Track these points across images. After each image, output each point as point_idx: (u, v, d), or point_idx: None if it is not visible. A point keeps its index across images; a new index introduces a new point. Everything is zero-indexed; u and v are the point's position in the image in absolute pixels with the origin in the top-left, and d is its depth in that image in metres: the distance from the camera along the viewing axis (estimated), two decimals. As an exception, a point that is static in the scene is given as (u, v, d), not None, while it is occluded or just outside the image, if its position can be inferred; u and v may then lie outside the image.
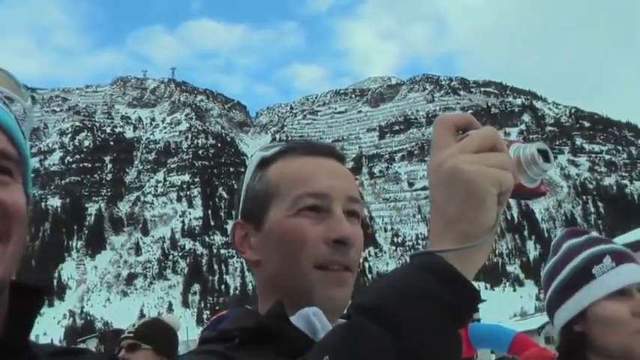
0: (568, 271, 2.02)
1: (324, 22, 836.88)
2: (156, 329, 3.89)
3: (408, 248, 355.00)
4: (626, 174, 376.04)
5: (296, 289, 1.41)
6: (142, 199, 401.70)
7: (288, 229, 1.43)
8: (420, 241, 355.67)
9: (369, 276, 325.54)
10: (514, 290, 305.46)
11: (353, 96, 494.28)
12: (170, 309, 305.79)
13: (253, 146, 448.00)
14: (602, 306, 1.92)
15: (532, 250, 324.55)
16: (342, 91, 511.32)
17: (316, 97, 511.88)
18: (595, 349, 1.95)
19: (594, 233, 2.14)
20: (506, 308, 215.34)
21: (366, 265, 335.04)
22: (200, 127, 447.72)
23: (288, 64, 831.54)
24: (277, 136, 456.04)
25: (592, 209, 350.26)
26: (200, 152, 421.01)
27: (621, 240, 71.60)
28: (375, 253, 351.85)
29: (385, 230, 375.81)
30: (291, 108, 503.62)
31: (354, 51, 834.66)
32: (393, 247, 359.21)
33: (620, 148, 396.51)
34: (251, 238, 1.50)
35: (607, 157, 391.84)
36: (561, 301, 2.01)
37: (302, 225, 1.42)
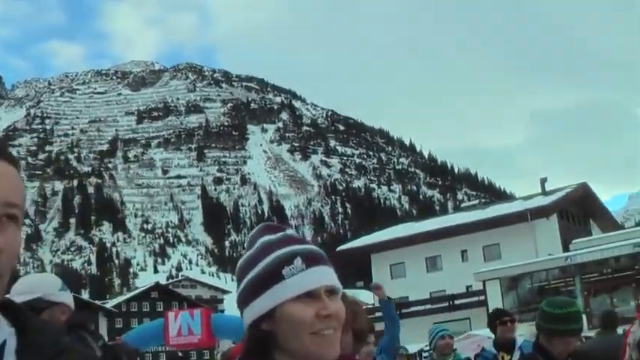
0: (260, 269, 1.91)
1: (86, 0, 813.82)
2: None
3: (157, 235, 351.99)
4: (375, 178, 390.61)
5: None
6: None
7: None
8: (169, 229, 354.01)
9: (116, 261, 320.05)
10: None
11: (114, 78, 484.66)
12: None
13: (6, 119, 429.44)
14: (289, 307, 1.85)
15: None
16: (103, 72, 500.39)
17: (76, 76, 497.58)
18: (280, 348, 1.89)
19: (290, 231, 2.01)
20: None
21: (114, 250, 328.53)
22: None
23: (47, 40, 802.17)
24: (32, 111, 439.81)
25: (340, 209, 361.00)
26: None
27: (365, 240, 73.78)
28: (124, 239, 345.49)
29: (135, 216, 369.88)
30: (50, 84, 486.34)
31: (116, 33, 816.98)
32: (143, 234, 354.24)
33: (371, 153, 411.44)
34: None
35: (358, 160, 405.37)
36: (251, 298, 1.90)
37: None
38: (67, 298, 3.39)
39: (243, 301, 1.94)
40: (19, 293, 3.17)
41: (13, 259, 1.46)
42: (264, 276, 1.88)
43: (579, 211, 69.25)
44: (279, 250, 1.91)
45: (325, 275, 1.90)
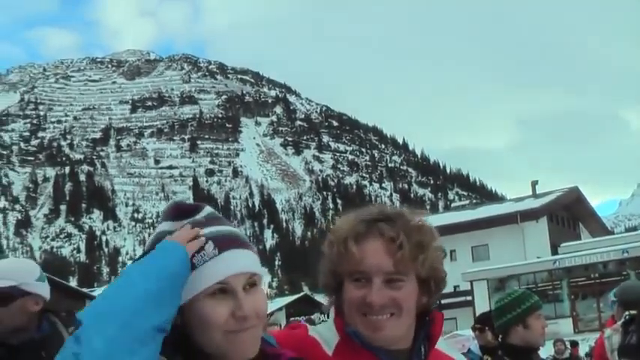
0: None
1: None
2: None
3: (147, 225, 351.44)
4: (367, 175, 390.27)
5: None
6: None
7: None
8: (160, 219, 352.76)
9: (106, 250, 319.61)
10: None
11: (109, 66, 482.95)
12: None
13: (0, 104, 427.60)
14: (200, 303, 1.65)
15: (269, 238, 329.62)
16: (98, 60, 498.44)
17: (71, 62, 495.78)
18: (194, 346, 1.68)
19: (203, 213, 1.79)
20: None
21: (104, 238, 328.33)
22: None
23: (39, 27, 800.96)
24: (26, 96, 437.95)
25: (331, 205, 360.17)
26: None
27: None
28: (114, 228, 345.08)
29: (126, 205, 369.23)
30: (44, 70, 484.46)
31: (108, 23, 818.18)
32: (133, 223, 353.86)
33: (363, 149, 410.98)
34: None
35: (350, 157, 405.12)
36: None
37: None
38: (43, 288, 3.28)
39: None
40: None
41: None
42: None
43: (569, 214, 69.42)
44: None
45: (241, 260, 1.72)
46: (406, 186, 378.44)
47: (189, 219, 1.75)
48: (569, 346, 19.24)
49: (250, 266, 1.72)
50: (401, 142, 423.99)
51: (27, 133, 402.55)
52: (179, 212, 1.77)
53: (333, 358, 2.04)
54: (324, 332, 2.10)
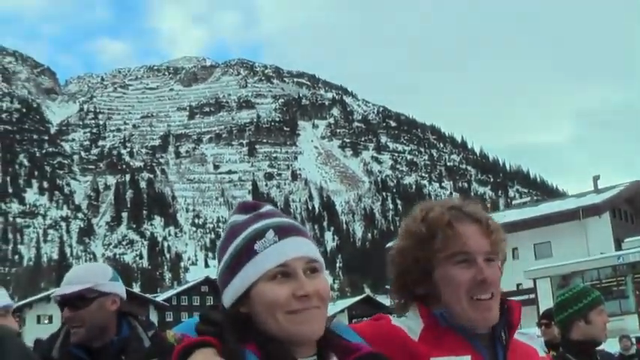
0: (232, 249, 1.80)
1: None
2: None
3: (208, 230, 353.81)
4: (426, 175, 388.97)
5: None
6: None
7: None
8: (220, 224, 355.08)
9: (168, 255, 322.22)
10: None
11: (166, 73, 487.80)
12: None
13: (60, 114, 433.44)
14: (263, 287, 1.74)
15: (330, 240, 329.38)
16: (155, 67, 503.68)
17: (129, 71, 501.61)
18: (259, 330, 1.75)
19: (265, 208, 1.89)
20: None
21: (165, 244, 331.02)
22: (6, 90, 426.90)
23: (96, 37, 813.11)
24: (85, 106, 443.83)
25: (391, 206, 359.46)
26: (3, 116, 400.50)
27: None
28: (175, 233, 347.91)
29: (187, 211, 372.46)
30: (102, 79, 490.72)
31: (163, 31, 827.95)
32: (194, 229, 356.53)
33: (422, 149, 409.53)
34: None
35: (409, 157, 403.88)
36: (227, 282, 1.80)
37: None
38: (118, 288, 3.44)
39: (221, 287, 1.83)
40: (70, 283, 3.28)
41: None
42: (237, 255, 1.79)
43: (632, 209, 67.78)
44: (251, 226, 1.82)
45: (300, 246, 1.79)
46: (466, 184, 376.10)
47: (255, 212, 1.85)
48: (635, 343, 18.68)
49: (309, 251, 1.79)
50: (459, 141, 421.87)
51: (87, 143, 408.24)
52: (246, 207, 1.88)
53: (419, 344, 2.09)
54: (408, 321, 2.16)
